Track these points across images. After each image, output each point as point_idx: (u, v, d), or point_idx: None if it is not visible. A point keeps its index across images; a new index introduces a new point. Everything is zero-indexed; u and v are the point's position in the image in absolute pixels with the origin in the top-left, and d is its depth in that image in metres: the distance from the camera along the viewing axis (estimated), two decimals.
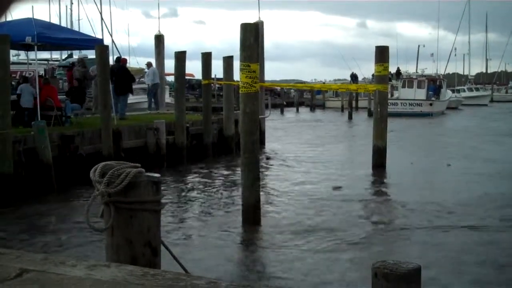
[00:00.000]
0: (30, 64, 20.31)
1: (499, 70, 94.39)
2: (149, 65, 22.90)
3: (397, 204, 11.05)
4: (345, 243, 8.27)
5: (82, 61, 19.31)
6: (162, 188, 3.84)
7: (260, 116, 12.80)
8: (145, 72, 23.83)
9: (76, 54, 25.99)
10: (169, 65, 25.98)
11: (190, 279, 2.81)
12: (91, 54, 21.52)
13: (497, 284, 6.77)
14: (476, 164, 16.24)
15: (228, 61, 18.91)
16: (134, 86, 27.39)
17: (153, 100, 21.75)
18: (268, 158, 17.92)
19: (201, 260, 7.37)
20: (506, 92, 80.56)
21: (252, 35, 9.17)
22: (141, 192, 3.56)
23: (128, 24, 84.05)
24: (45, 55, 26.96)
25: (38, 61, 18.42)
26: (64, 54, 30.70)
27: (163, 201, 3.78)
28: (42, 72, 21.85)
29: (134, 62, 31.88)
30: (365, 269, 5.58)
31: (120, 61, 18.13)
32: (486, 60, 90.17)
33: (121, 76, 16.91)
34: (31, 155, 11.73)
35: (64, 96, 16.50)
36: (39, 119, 13.04)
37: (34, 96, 14.15)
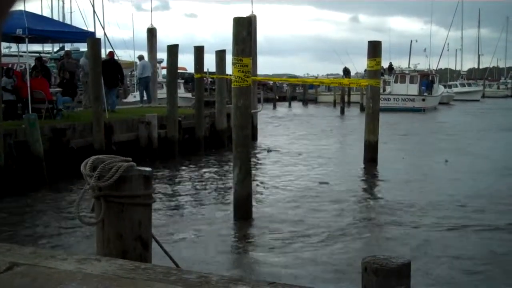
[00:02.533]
0: (21, 56, 20.18)
1: (491, 66, 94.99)
2: (140, 58, 22.71)
3: (387, 199, 11.08)
4: (334, 238, 8.29)
5: (70, 53, 19.21)
6: (153, 182, 3.83)
7: (252, 111, 12.79)
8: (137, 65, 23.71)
9: (68, 47, 25.85)
10: (162, 58, 25.94)
11: (181, 273, 2.81)
12: (83, 47, 21.44)
13: (485, 280, 6.83)
14: (468, 159, 16.31)
15: (220, 55, 18.88)
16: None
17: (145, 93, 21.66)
18: (269, 151, 17.91)
19: (192, 254, 7.38)
20: (498, 88, 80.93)
21: (245, 29, 9.15)
22: (132, 186, 3.55)
23: (132, 14, 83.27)
24: (36, 47, 26.75)
25: (30, 54, 18.30)
26: (56, 47, 30.51)
27: (154, 195, 3.77)
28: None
29: (127, 56, 31.63)
30: (355, 263, 5.61)
31: (108, 55, 18.14)
32: (478, 55, 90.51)
33: (109, 69, 16.85)
34: (22, 148, 11.68)
35: (56, 89, 16.42)
36: (30, 111, 12.98)
37: (13, 87, 14.15)
